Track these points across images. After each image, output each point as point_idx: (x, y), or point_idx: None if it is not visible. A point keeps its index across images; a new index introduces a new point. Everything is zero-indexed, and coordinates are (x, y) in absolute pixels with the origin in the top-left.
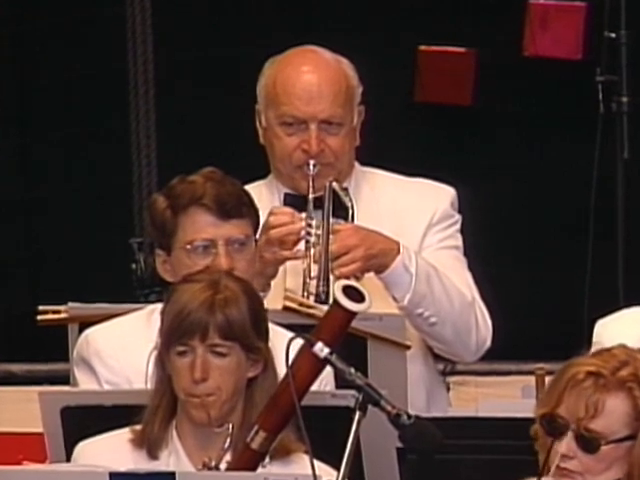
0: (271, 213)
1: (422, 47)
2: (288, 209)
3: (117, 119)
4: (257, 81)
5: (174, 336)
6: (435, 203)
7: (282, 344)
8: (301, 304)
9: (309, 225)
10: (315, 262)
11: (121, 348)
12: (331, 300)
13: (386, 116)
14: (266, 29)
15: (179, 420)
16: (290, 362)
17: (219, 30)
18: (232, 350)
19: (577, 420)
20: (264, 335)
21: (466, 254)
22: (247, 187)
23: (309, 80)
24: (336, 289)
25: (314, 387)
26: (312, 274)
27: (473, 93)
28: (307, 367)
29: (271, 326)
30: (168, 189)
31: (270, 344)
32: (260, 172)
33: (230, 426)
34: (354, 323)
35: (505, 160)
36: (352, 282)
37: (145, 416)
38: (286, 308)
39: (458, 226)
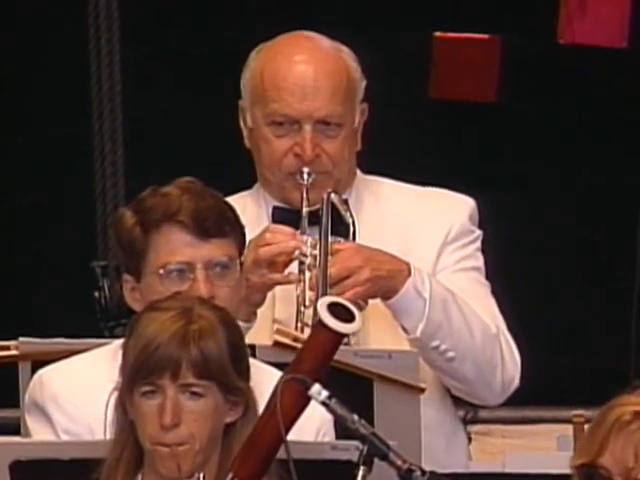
0: (267, 231)
1: (438, 33)
2: (288, 229)
3: (77, 120)
4: (241, 74)
5: (139, 374)
6: (451, 217)
7: (271, 385)
8: (295, 339)
9: (303, 244)
10: (311, 288)
11: (81, 391)
12: None
13: (394, 115)
14: (250, 19)
15: (145, 474)
16: (276, 401)
17: (197, 19)
18: (208, 391)
19: (625, 471)
20: (245, 373)
21: (488, 277)
22: (229, 199)
23: (303, 72)
24: (320, 307)
25: (310, 438)
26: (307, 302)
27: (498, 88)
28: (296, 410)
29: (258, 364)
30: (137, 202)
31: (255, 384)
32: (245, 181)
33: (201, 476)
34: (358, 361)
35: (535, 168)
36: (339, 299)
37: (104, 471)
38: (277, 343)
39: (478, 244)
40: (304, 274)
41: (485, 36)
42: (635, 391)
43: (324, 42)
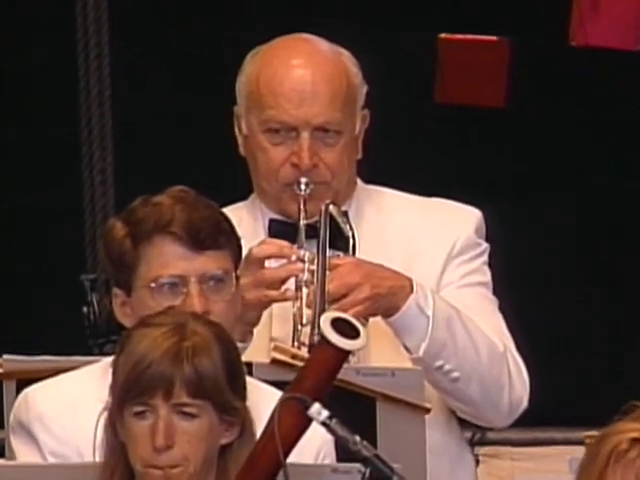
0: (263, 243)
1: (443, 35)
2: (284, 242)
3: (64, 126)
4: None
5: (130, 393)
6: (457, 229)
7: (269, 405)
8: (294, 356)
9: (300, 259)
10: (308, 305)
11: (69, 411)
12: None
13: (397, 121)
14: (250, 20)
15: None
16: (275, 422)
17: (192, 19)
18: (203, 411)
19: None
20: (241, 392)
21: (495, 292)
22: (224, 210)
23: (300, 77)
24: (323, 323)
25: (310, 460)
26: (304, 320)
27: (506, 92)
28: (296, 431)
29: (255, 383)
30: (128, 213)
31: (252, 403)
32: (241, 192)
33: None
34: (360, 380)
35: (547, 176)
36: (342, 314)
37: None
38: (275, 361)
39: (485, 257)
40: (301, 291)
41: (493, 38)
42: (626, 417)
43: (323, 45)
